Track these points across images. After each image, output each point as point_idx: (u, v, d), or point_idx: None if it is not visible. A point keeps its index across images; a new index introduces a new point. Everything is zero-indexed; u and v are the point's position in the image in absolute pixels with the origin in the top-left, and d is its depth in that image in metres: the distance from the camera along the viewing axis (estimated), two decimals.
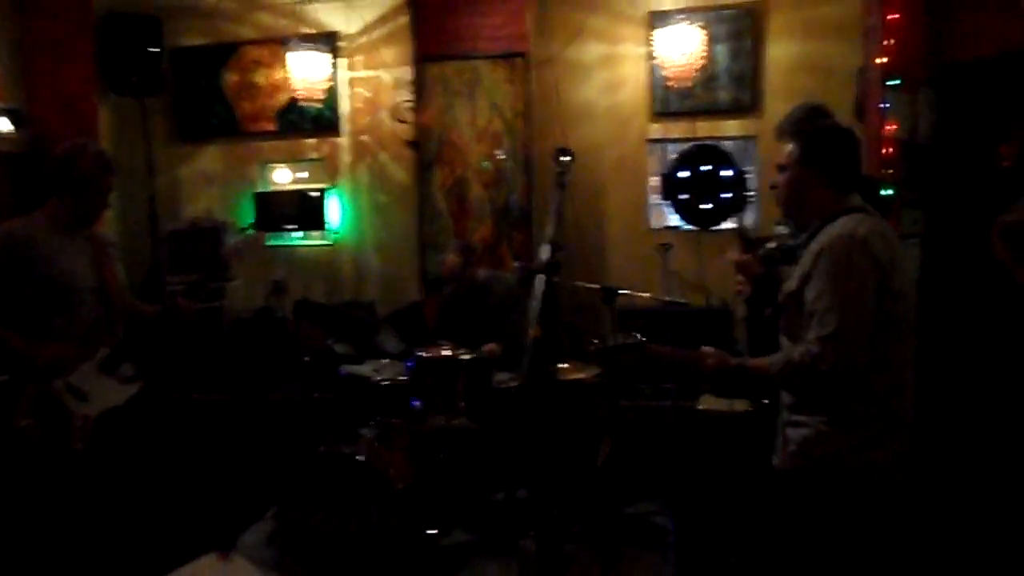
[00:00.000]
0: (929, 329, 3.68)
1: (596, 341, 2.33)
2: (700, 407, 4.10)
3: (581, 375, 3.80)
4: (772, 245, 2.85)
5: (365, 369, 4.02)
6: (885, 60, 4.20)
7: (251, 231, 3.23)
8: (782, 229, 2.85)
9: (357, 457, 3.33)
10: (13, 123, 4.96)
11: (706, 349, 2.28)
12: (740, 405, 3.87)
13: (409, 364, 3.73)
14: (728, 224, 4.98)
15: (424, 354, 3.69)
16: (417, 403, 3.63)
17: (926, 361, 3.53)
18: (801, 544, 2.16)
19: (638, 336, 2.26)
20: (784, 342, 2.22)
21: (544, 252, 1.89)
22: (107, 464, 2.79)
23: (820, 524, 2.10)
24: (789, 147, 2.24)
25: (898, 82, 4.17)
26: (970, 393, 3.52)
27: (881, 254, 2.04)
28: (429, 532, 3.51)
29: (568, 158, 2.14)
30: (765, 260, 2.86)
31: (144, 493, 2.93)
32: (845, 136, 2.24)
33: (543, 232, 5.39)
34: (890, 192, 4.10)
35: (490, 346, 4.01)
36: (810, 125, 2.31)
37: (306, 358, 4.19)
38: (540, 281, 1.81)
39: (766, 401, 2.96)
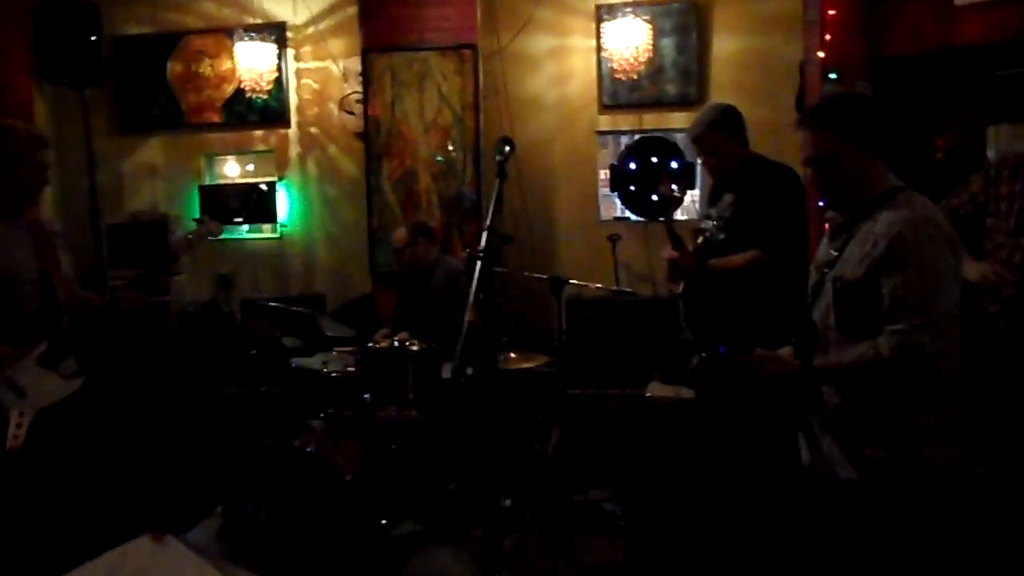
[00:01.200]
0: None
1: (701, 355, 2.09)
2: (648, 394, 4.18)
3: (530, 364, 3.84)
4: (701, 240, 2.92)
5: (314, 362, 3.99)
6: (824, 55, 4.32)
7: (205, 220, 3.14)
8: (709, 223, 2.93)
9: (307, 449, 3.31)
10: None
11: (762, 353, 2.05)
12: (686, 393, 3.95)
13: (358, 356, 3.72)
14: (676, 216, 5.07)
15: (373, 345, 3.68)
16: (367, 395, 3.62)
17: None
18: (887, 554, 1.99)
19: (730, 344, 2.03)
20: (834, 337, 2.02)
21: (482, 239, 1.91)
22: (45, 462, 2.70)
23: (914, 530, 1.96)
24: (813, 137, 2.00)
25: (836, 76, 4.29)
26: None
27: (950, 233, 1.93)
28: (380, 523, 3.51)
29: (509, 147, 2.16)
30: (697, 255, 2.93)
31: (87, 489, 2.84)
32: (866, 100, 2.08)
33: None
34: None
35: (402, 335, 4.00)
36: (830, 104, 2.08)
37: (253, 352, 4.14)
38: (477, 267, 1.83)
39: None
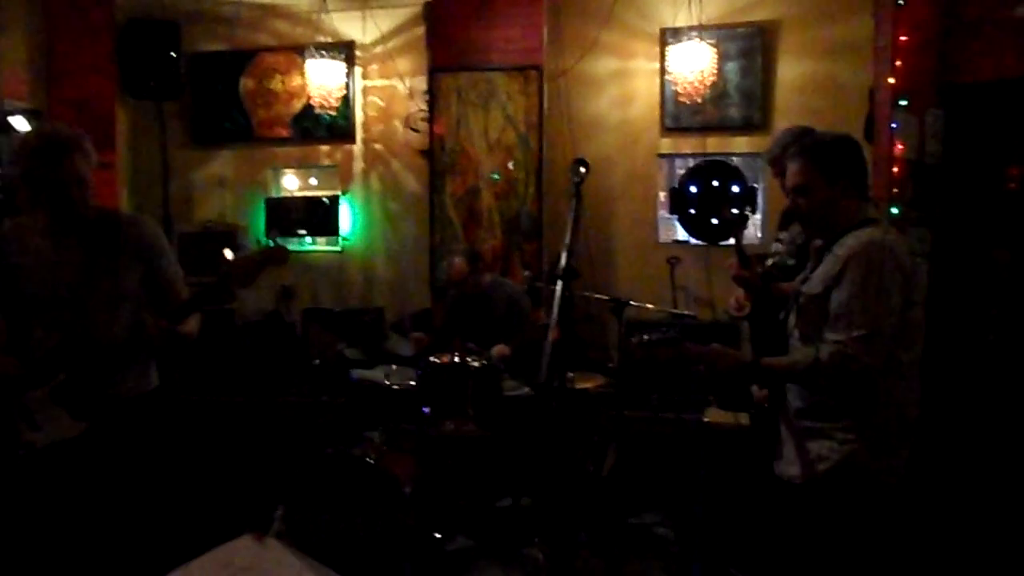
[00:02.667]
0: (936, 348, 3.73)
1: (643, 336, 2.34)
2: (706, 419, 4.14)
3: (588, 384, 3.84)
4: (770, 263, 2.91)
5: (376, 374, 4.06)
6: (895, 81, 4.26)
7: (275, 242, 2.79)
8: (779, 247, 2.90)
9: (367, 459, 3.37)
10: (30, 123, 5.03)
11: (717, 347, 2.29)
12: (745, 419, 3.90)
13: (419, 370, 3.77)
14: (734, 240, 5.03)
15: (434, 360, 3.73)
16: (427, 409, 3.66)
17: (933, 380, 3.58)
18: (823, 554, 2.18)
19: (671, 333, 2.30)
20: (795, 342, 2.26)
21: (563, 259, 1.94)
22: (51, 498, 2.45)
23: (844, 532, 2.13)
24: (794, 168, 2.25)
25: (906, 103, 4.23)
26: (978, 412, 3.55)
27: (906, 265, 2.12)
28: (434, 536, 3.54)
29: (584, 169, 2.20)
30: (764, 277, 2.92)
31: (150, 495, 2.59)
32: (853, 144, 2.28)
33: (555, 242, 5.45)
34: (896, 211, 4.15)
35: (499, 347, 4.05)
36: (818, 143, 2.31)
37: (316, 362, 4.23)
38: (559, 287, 1.85)
39: (754, 410, 3.00)
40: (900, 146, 4.19)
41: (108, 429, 2.47)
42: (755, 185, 4.99)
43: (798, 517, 2.23)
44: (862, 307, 2.05)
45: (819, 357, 2.09)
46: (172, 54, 5.64)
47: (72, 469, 2.45)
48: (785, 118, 5.14)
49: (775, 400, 2.34)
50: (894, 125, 4.22)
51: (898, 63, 4.24)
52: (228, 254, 2.48)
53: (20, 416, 2.42)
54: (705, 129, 5.38)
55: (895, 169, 4.20)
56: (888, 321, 2.06)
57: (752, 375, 2.29)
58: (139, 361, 2.58)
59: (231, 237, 5.56)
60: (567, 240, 2.02)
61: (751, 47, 5.27)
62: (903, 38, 4.25)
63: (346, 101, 5.80)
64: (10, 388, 2.41)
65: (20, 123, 4.98)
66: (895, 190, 4.17)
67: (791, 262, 2.84)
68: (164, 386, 2.73)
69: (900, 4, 4.22)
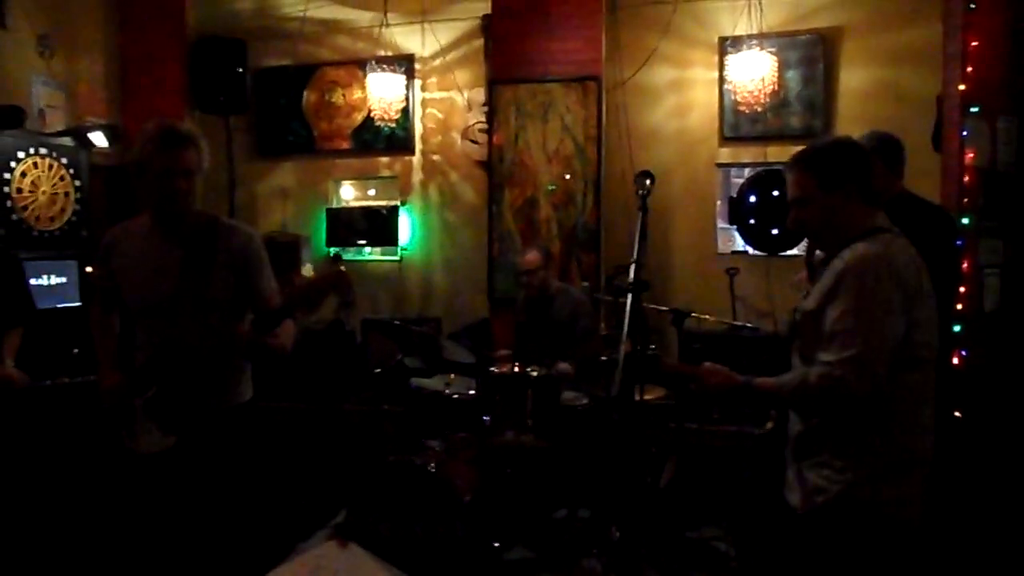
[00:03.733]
0: (1012, 359, 3.61)
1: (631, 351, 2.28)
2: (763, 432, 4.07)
3: (648, 396, 3.82)
4: None
5: (435, 383, 4.11)
6: (964, 88, 4.16)
7: (338, 262, 2.68)
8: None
9: (428, 467, 3.41)
10: (108, 138, 5.24)
11: (709, 366, 2.20)
12: None
13: (479, 380, 3.81)
14: (796, 251, 4.95)
15: (494, 370, 3.76)
16: (487, 418, 3.69)
17: (1007, 392, 3.47)
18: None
19: (652, 349, 2.24)
20: (796, 362, 2.12)
21: (631, 272, 1.95)
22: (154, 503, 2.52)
23: (846, 568, 1.99)
24: (791, 179, 2.12)
25: (977, 110, 4.12)
26: None
27: (909, 279, 1.95)
28: (493, 546, 3.56)
29: (650, 181, 2.20)
30: None
31: (236, 506, 2.56)
32: (854, 147, 2.13)
33: (613, 253, 5.43)
34: (967, 221, 4.04)
35: (563, 365, 4.06)
36: (814, 149, 2.15)
37: (377, 370, 4.30)
38: (629, 300, 1.86)
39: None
40: (971, 154, 4.09)
41: (198, 442, 2.47)
42: None
43: (800, 547, 2.10)
44: (854, 326, 1.89)
45: (807, 380, 1.96)
46: (239, 70, 5.82)
47: (162, 480, 2.49)
48: (848, 127, 5.05)
49: (782, 422, 2.22)
50: (964, 132, 4.12)
51: (969, 69, 4.14)
52: (307, 270, 2.51)
53: (122, 425, 2.49)
54: (765, 138, 5.32)
55: (966, 178, 4.09)
56: (883, 343, 1.89)
57: (744, 396, 2.14)
58: (230, 372, 2.58)
59: (295, 248, 5.69)
60: (635, 252, 2.02)
61: (812, 55, 5.20)
62: (974, 43, 4.15)
63: (405, 113, 5.90)
64: (113, 399, 2.49)
65: (99, 139, 5.20)
66: (965, 200, 4.06)
67: None
68: (257, 398, 2.71)
69: (971, 8, 4.12)
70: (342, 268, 2.51)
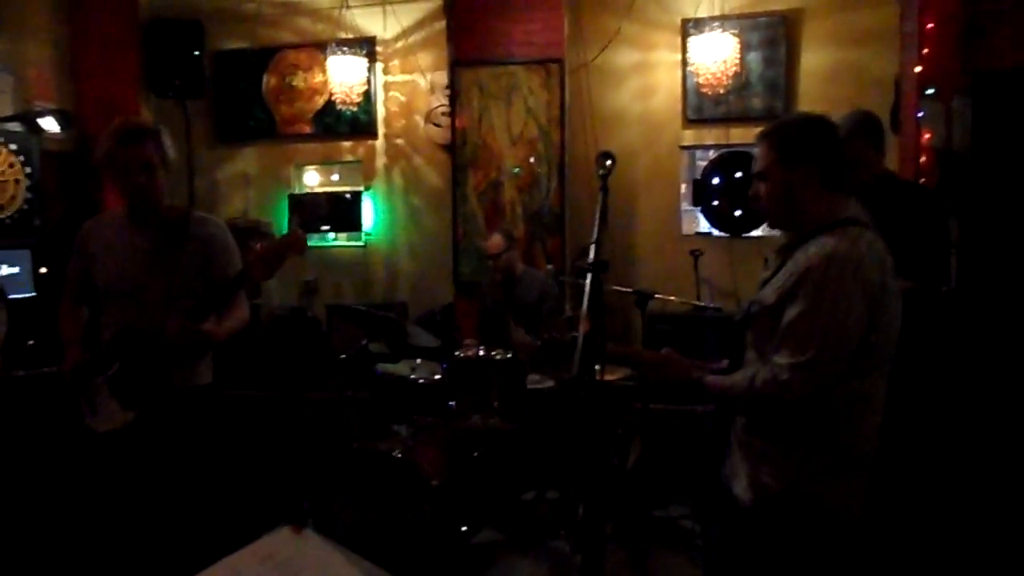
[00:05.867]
0: (966, 341, 3.68)
1: (550, 334, 2.21)
2: None
3: (612, 377, 3.84)
4: None
5: (401, 368, 4.08)
6: (920, 69, 4.20)
7: (294, 224, 2.75)
8: None
9: (393, 453, 3.39)
10: (60, 124, 5.10)
11: (667, 352, 2.13)
12: None
13: (444, 364, 3.79)
14: (759, 231, 5.00)
15: (459, 354, 3.75)
16: (452, 403, 3.68)
17: (964, 371, 3.51)
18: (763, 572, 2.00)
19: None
20: (751, 356, 2.02)
21: (592, 251, 1.94)
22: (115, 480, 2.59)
23: (789, 562, 1.95)
24: (759, 152, 2.01)
25: (933, 91, 4.17)
26: (1010, 405, 3.49)
27: (875, 281, 1.84)
28: (461, 530, 3.56)
29: (610, 161, 2.19)
30: None
31: (189, 488, 2.63)
32: (823, 126, 1.98)
33: (578, 236, 5.43)
34: None
35: (521, 333, 4.05)
36: (782, 123, 2.05)
37: (343, 356, 4.26)
38: (588, 279, 1.86)
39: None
40: (927, 135, 4.14)
41: (155, 420, 2.55)
42: None
43: (744, 540, 2.03)
44: (810, 330, 1.81)
45: (754, 384, 1.88)
46: (195, 53, 5.69)
47: (120, 456, 2.57)
48: (809, 107, 5.08)
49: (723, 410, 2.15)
50: (920, 114, 4.17)
51: (925, 51, 4.18)
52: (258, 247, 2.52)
53: (84, 401, 2.59)
54: (728, 120, 5.35)
55: (922, 158, 4.15)
56: (838, 350, 1.81)
57: (695, 391, 2.03)
58: (191, 355, 2.64)
59: (255, 233, 5.60)
60: (595, 232, 2.01)
61: (774, 36, 5.23)
62: (930, 25, 4.19)
63: (368, 97, 5.83)
64: (77, 376, 2.58)
65: (49, 124, 5.05)
66: (922, 180, 4.12)
67: None
68: (217, 382, 2.78)
69: None
70: (299, 231, 2.57)
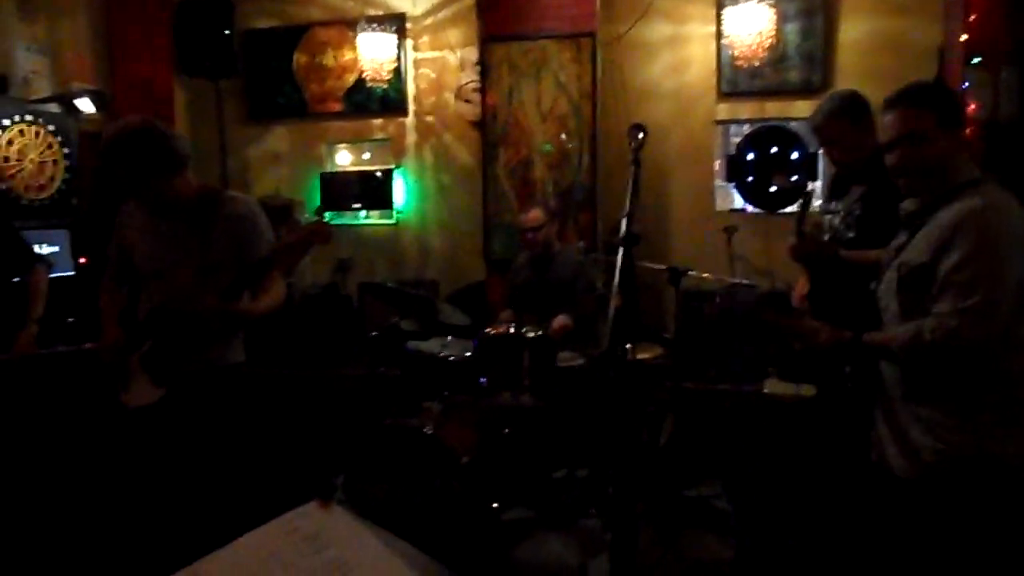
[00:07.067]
0: None
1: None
2: (766, 391, 4.07)
3: (645, 355, 3.80)
4: (827, 237, 2.80)
5: (432, 345, 4.09)
6: (966, 37, 4.06)
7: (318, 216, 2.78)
8: (833, 219, 2.80)
9: (424, 430, 3.40)
10: (96, 104, 5.16)
11: (815, 323, 2.16)
12: (807, 390, 3.82)
13: (475, 341, 3.78)
14: (793, 207, 4.90)
15: (490, 331, 3.73)
16: (483, 380, 3.68)
17: None
18: (944, 555, 1.97)
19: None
20: (892, 319, 2.06)
21: (623, 226, 1.91)
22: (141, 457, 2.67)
23: (969, 529, 1.93)
24: (905, 114, 2.00)
25: (980, 60, 4.03)
26: None
27: (1020, 229, 1.91)
28: (491, 507, 3.57)
29: (642, 134, 2.15)
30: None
31: (219, 464, 2.67)
32: (953, 90, 2.16)
33: (610, 213, 5.34)
34: None
35: (560, 319, 4.02)
36: (927, 86, 2.07)
37: (374, 334, 4.28)
38: (620, 254, 1.82)
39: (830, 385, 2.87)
40: (973, 106, 4.01)
41: (186, 397, 2.61)
42: (815, 151, 4.84)
43: (909, 514, 2.02)
44: (974, 276, 1.85)
45: (921, 333, 1.90)
46: (226, 32, 5.69)
47: (151, 432, 2.63)
48: (848, 80, 4.96)
49: (862, 377, 2.16)
50: (966, 84, 4.04)
51: (971, 18, 4.04)
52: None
53: (117, 377, 2.67)
54: (763, 93, 5.24)
55: (967, 130, 4.02)
56: (1003, 293, 1.86)
57: (850, 352, 2.08)
58: (224, 334, 2.69)
59: (288, 212, 5.64)
60: (627, 206, 1.97)
61: (811, 7, 5.09)
62: None
63: (398, 74, 5.80)
64: (110, 353, 2.67)
65: (85, 105, 5.12)
66: (968, 153, 4.00)
67: (851, 235, 2.71)
68: (250, 360, 2.84)
69: None
70: (325, 220, 2.56)
